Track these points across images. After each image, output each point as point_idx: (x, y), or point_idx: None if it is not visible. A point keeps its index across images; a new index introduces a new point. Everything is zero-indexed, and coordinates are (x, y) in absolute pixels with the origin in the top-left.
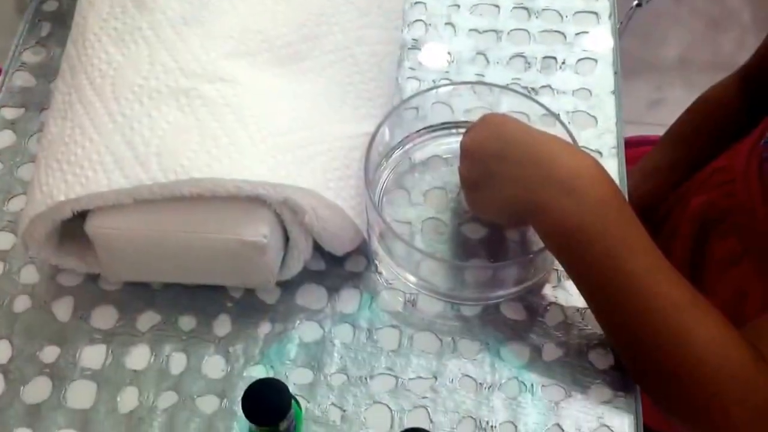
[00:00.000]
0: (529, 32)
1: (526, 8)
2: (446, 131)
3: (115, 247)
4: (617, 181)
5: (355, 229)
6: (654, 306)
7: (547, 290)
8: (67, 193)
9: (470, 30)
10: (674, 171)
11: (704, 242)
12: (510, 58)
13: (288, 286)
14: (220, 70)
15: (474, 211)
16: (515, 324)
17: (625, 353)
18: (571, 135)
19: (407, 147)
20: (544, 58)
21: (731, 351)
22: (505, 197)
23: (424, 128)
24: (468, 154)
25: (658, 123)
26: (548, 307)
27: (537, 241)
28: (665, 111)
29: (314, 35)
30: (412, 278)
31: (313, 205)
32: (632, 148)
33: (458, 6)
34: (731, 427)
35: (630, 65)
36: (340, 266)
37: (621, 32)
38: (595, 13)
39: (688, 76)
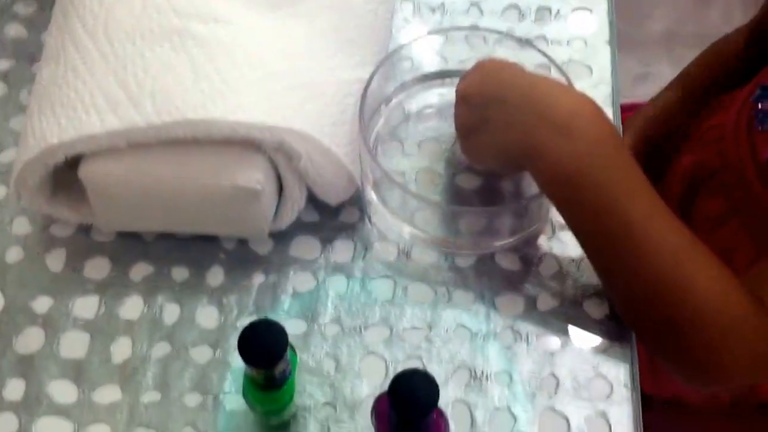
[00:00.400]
0: None
1: None
2: (440, 81)
3: (108, 193)
4: None
5: (349, 177)
6: (652, 251)
7: (542, 241)
8: (60, 136)
9: None
10: (682, 110)
11: (692, 201)
12: (504, 9)
13: (281, 237)
14: (213, 11)
15: (469, 159)
16: (510, 274)
17: (621, 301)
18: (568, 79)
19: (401, 97)
20: (539, 8)
21: (731, 297)
22: (502, 141)
23: (418, 78)
24: (464, 100)
25: (645, 96)
26: (543, 258)
27: (532, 191)
28: (652, 85)
29: None
30: (406, 227)
31: (308, 150)
32: (625, 112)
33: None
34: (732, 373)
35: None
36: (333, 217)
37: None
38: None
39: (675, 50)
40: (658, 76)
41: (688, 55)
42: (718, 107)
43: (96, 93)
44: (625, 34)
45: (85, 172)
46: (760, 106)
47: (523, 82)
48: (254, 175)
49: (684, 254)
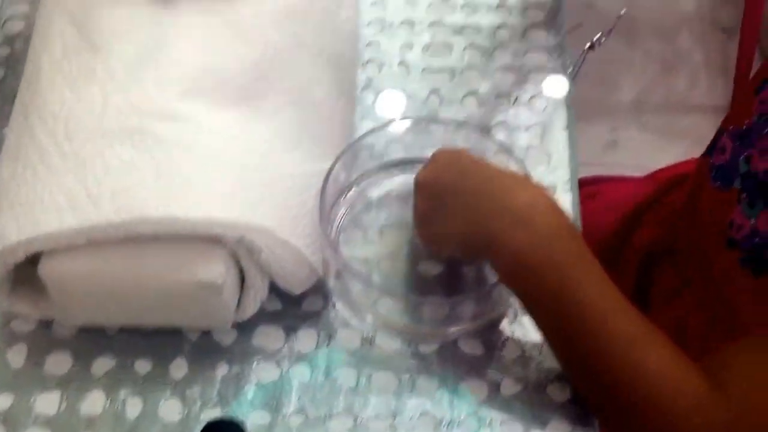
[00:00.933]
0: (481, 71)
1: (478, 47)
2: (401, 168)
3: (69, 289)
4: (571, 215)
5: (310, 268)
6: (608, 338)
7: (505, 325)
8: (19, 235)
9: (423, 69)
10: None
11: (649, 274)
12: (463, 97)
13: (244, 327)
14: (174, 109)
15: (428, 247)
16: (473, 359)
17: (582, 386)
18: (524, 169)
19: (362, 185)
20: (497, 95)
21: (686, 382)
22: (460, 231)
23: (379, 166)
24: (423, 189)
25: (615, 163)
26: (506, 342)
27: (492, 277)
28: (621, 152)
29: (269, 76)
30: (369, 316)
31: (268, 244)
32: (587, 186)
33: (411, 46)
34: None
35: (585, 108)
36: (296, 306)
37: (575, 76)
38: (547, 51)
39: (643, 117)
40: (627, 143)
41: (656, 121)
42: (672, 185)
43: (55, 191)
44: (595, 101)
45: (45, 269)
46: (712, 160)
47: (481, 174)
48: (215, 269)
49: (638, 341)
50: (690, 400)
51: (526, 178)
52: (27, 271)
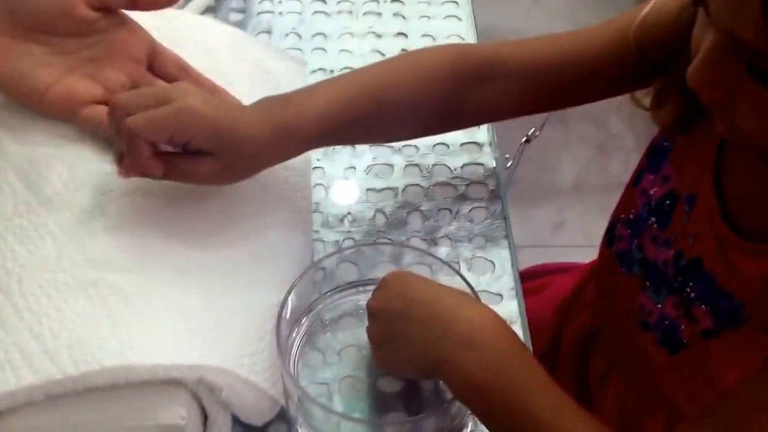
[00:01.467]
0: (422, 187)
1: (417, 165)
2: (354, 289)
3: None
4: (518, 320)
5: (272, 401)
6: None
7: None
8: None
9: (368, 189)
10: None
11: (583, 360)
12: (408, 213)
13: None
14: (128, 260)
15: (383, 370)
16: None
17: None
18: (469, 285)
19: (318, 308)
20: (440, 210)
21: None
22: (410, 356)
23: (333, 289)
24: (374, 316)
25: (564, 245)
26: None
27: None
28: (568, 232)
29: (222, 225)
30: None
31: (229, 382)
32: (534, 279)
33: (354, 168)
34: None
35: (531, 192)
36: None
37: (514, 168)
38: (484, 162)
39: (584, 198)
40: (574, 222)
41: (597, 201)
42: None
43: (11, 349)
44: (539, 186)
45: (7, 427)
46: (613, 248)
47: (427, 298)
48: (177, 412)
49: None
50: None
51: (471, 298)
52: None
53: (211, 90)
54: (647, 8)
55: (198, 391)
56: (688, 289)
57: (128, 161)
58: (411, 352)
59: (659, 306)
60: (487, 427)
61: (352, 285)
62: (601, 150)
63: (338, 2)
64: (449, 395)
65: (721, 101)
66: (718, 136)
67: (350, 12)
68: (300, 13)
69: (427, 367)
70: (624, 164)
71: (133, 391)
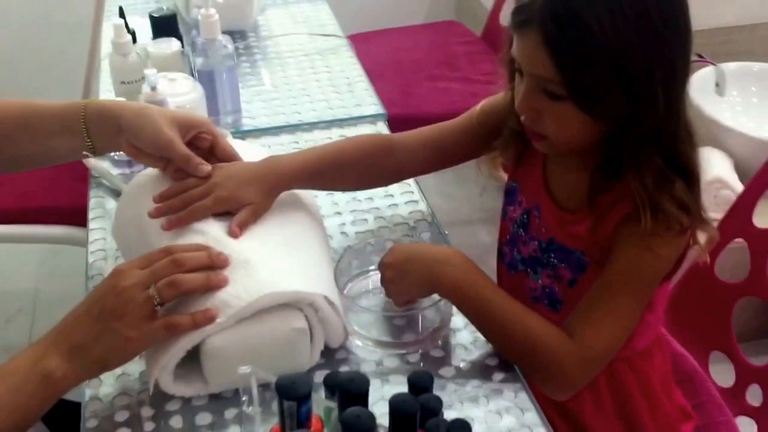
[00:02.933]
0: (388, 227)
1: (382, 217)
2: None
3: (223, 359)
4: None
5: (343, 325)
6: (506, 317)
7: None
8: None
9: (356, 233)
10: None
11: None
12: (382, 241)
13: None
14: (261, 244)
15: (397, 298)
16: (437, 360)
17: (502, 350)
18: (447, 242)
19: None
20: (403, 235)
21: (554, 335)
22: (416, 281)
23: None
24: (388, 266)
25: None
26: (461, 345)
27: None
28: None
29: (295, 227)
30: (362, 332)
31: (323, 305)
32: None
33: (341, 216)
34: (564, 377)
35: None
36: None
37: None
38: (420, 211)
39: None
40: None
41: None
42: None
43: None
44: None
45: (209, 346)
46: (505, 260)
47: (420, 247)
48: (302, 321)
49: (523, 314)
50: (558, 345)
51: (444, 246)
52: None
53: None
54: (481, 104)
55: (307, 313)
56: (552, 259)
57: None
58: (416, 278)
59: (540, 282)
60: (467, 317)
61: (367, 271)
62: None
63: None
64: (437, 297)
65: (535, 118)
66: (540, 163)
67: None
68: None
69: (427, 285)
70: None
71: (277, 310)
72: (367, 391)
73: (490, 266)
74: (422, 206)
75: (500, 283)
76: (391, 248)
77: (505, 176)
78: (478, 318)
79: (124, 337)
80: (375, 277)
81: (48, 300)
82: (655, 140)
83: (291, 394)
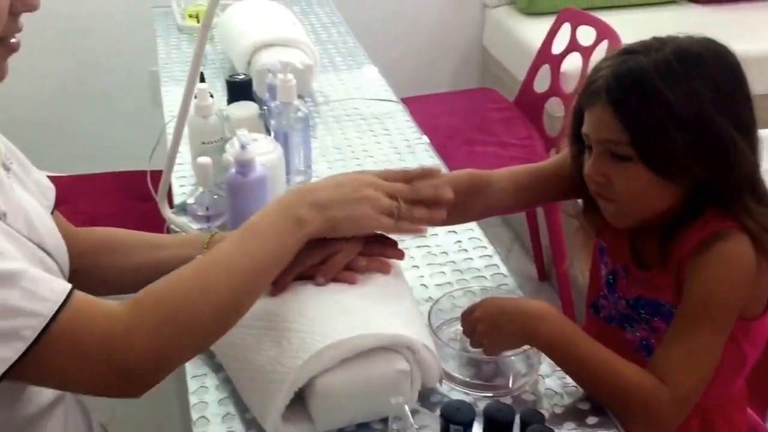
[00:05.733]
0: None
1: (460, 271)
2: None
3: (332, 397)
4: None
5: (438, 365)
6: (598, 366)
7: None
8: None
9: (435, 285)
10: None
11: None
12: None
13: None
14: (363, 294)
15: (490, 353)
16: (529, 404)
17: (596, 396)
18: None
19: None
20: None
21: (645, 379)
22: (509, 335)
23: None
24: (480, 320)
25: None
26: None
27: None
28: None
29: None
30: (455, 373)
31: (420, 348)
32: None
33: (419, 268)
34: (657, 419)
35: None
36: None
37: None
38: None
39: None
40: None
41: None
42: None
43: (317, 330)
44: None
45: (320, 387)
46: (601, 315)
47: (509, 302)
48: (403, 363)
49: (614, 362)
50: (647, 391)
51: (537, 301)
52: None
53: None
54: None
55: (406, 355)
56: (644, 315)
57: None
58: (509, 333)
59: (637, 334)
60: (560, 367)
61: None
62: None
63: None
64: (526, 347)
65: (605, 183)
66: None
67: None
68: None
69: (520, 339)
70: None
71: (379, 352)
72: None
73: None
74: (496, 260)
75: (592, 336)
76: (481, 302)
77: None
78: (571, 369)
79: (363, 212)
80: (458, 327)
81: None
82: (737, 192)
83: (458, 419)
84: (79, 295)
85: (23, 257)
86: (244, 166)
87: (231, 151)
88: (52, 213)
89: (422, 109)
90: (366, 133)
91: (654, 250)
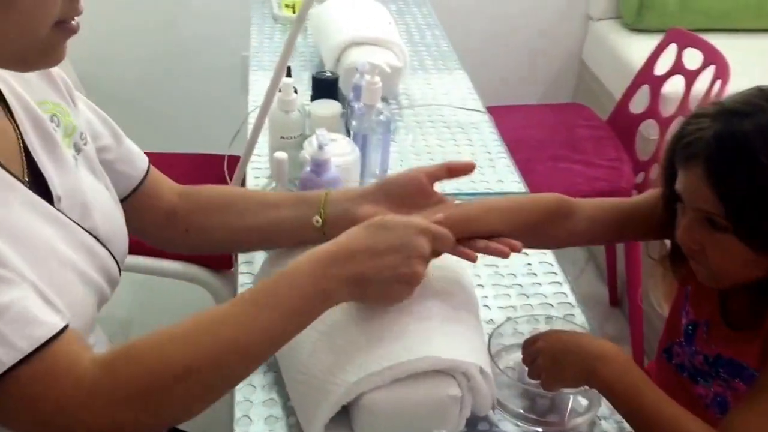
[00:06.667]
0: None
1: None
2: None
3: (379, 415)
4: None
5: (492, 393)
6: (663, 419)
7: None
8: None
9: (508, 318)
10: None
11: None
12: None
13: None
14: (421, 312)
15: (549, 388)
16: None
17: None
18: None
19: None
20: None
21: None
22: (569, 373)
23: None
24: (542, 352)
25: None
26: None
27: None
28: None
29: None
30: (508, 403)
31: (475, 374)
32: None
33: (487, 297)
34: None
35: None
36: None
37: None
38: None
39: None
40: None
41: None
42: None
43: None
44: None
45: (367, 400)
46: (673, 361)
47: (574, 338)
48: (455, 388)
49: (681, 418)
50: None
51: (598, 337)
52: None
53: None
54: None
55: (459, 379)
56: (722, 374)
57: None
58: (570, 371)
59: (711, 389)
60: (619, 413)
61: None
62: None
63: None
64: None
65: (697, 250)
66: None
67: None
68: None
69: (582, 379)
70: None
71: (432, 375)
72: None
73: None
74: (565, 288)
75: (660, 381)
76: (545, 333)
77: None
78: (633, 418)
79: (395, 294)
80: (519, 355)
81: (139, 332)
82: None
83: None
84: (57, 348)
85: (65, 243)
86: (319, 165)
87: (308, 149)
88: (145, 177)
89: (510, 119)
90: (448, 141)
91: (744, 310)
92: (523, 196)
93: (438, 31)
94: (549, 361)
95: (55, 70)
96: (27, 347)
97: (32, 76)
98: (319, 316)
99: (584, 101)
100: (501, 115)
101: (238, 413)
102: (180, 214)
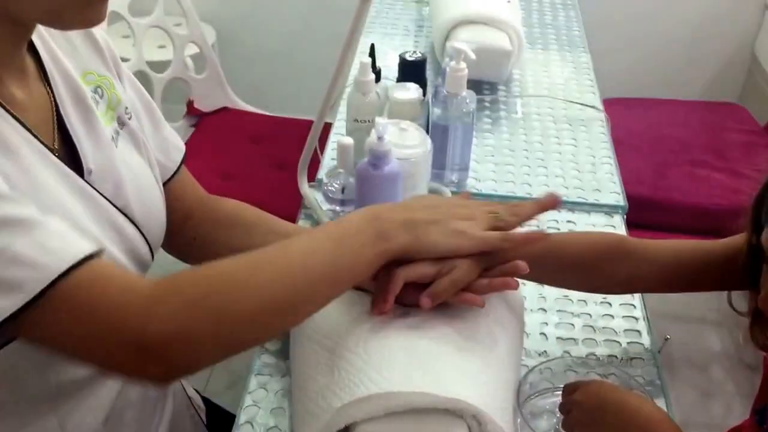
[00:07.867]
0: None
1: (591, 326)
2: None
3: None
4: None
5: None
6: None
7: None
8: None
9: (557, 338)
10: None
11: None
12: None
13: None
14: (429, 340)
15: None
16: None
17: None
18: (644, 392)
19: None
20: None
21: None
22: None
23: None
24: (578, 404)
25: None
26: None
27: None
28: None
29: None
30: None
31: (488, 421)
32: None
33: (546, 324)
34: None
35: None
36: None
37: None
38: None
39: None
40: None
41: None
42: None
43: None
44: None
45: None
46: (766, 426)
47: (615, 397)
48: (463, 429)
49: None
50: None
51: (646, 398)
52: None
53: None
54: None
55: (469, 422)
56: None
57: None
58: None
59: None
60: None
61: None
62: (704, 394)
63: None
64: None
65: None
66: None
67: None
68: None
69: None
70: (726, 408)
71: (436, 413)
72: None
73: (714, 376)
74: (641, 326)
75: None
76: (586, 383)
77: None
78: None
79: (457, 229)
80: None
81: None
82: None
83: None
84: (104, 261)
85: (91, 219)
86: (378, 157)
87: (370, 137)
88: (176, 173)
89: (653, 113)
90: (550, 138)
91: None
92: (561, 235)
93: (573, 12)
94: (584, 415)
95: (104, 42)
96: (73, 256)
97: (80, 45)
98: (378, 263)
99: (751, 102)
100: (643, 108)
101: (242, 418)
102: (193, 221)
